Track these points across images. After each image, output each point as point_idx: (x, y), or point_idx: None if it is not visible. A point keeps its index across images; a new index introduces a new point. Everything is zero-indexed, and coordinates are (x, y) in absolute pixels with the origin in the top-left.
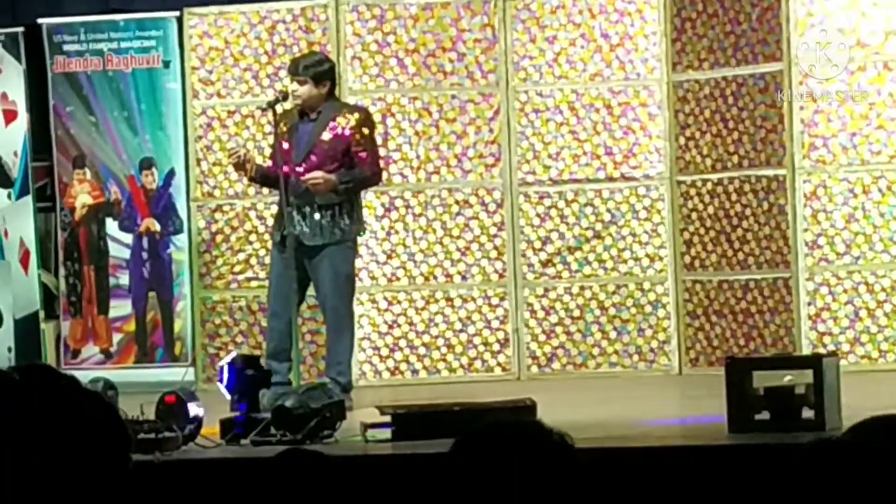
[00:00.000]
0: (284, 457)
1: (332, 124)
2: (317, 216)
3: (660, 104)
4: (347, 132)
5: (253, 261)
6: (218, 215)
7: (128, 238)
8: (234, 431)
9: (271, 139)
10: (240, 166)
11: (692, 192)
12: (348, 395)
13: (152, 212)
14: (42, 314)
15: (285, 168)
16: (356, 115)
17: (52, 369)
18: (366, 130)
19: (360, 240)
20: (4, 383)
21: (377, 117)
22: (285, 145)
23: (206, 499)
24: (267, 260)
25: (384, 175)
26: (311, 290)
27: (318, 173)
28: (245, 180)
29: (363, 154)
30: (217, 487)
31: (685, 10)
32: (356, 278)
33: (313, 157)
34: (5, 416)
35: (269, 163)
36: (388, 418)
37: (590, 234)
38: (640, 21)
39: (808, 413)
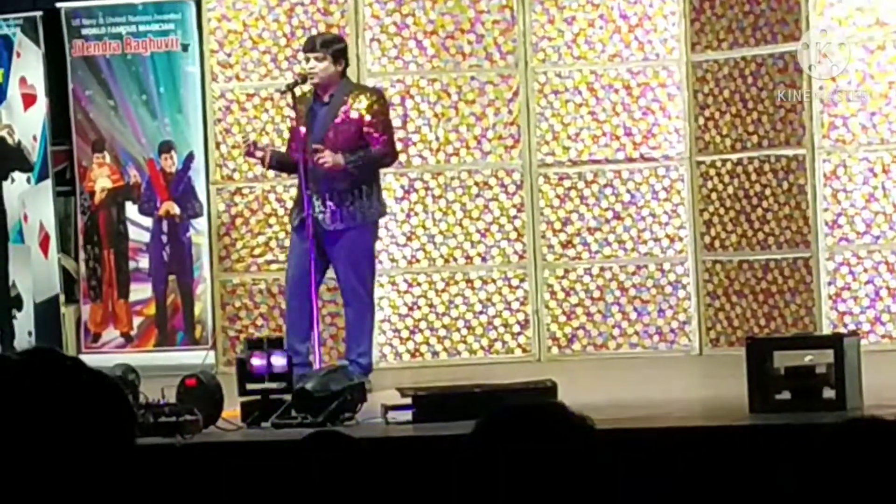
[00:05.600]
0: (315, 438)
1: (344, 107)
2: (336, 200)
3: (679, 84)
4: (360, 114)
5: (273, 244)
6: (237, 198)
7: (147, 221)
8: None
9: (290, 122)
10: (251, 153)
11: (712, 172)
12: (367, 378)
13: (172, 195)
14: (62, 298)
15: (303, 153)
16: (369, 97)
17: (55, 351)
18: (379, 111)
19: (380, 221)
20: (4, 367)
21: (396, 99)
22: (302, 130)
23: (227, 481)
24: (286, 243)
25: (402, 156)
26: (330, 273)
27: (326, 152)
28: (257, 164)
29: (376, 135)
30: (239, 470)
31: None
32: (376, 261)
33: (328, 141)
34: (7, 399)
35: (282, 147)
36: (408, 400)
37: (609, 214)
38: (659, 1)
39: (828, 393)
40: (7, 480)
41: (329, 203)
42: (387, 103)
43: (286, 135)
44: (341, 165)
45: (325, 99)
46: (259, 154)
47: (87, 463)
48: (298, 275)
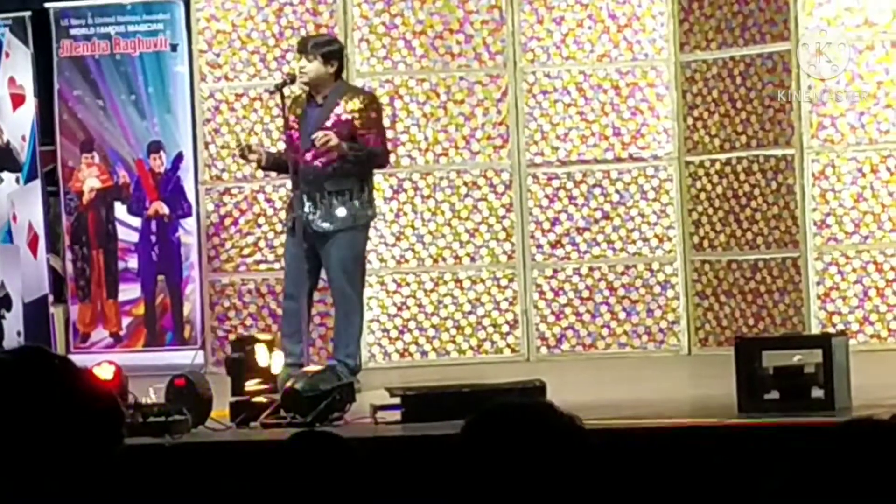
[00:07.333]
0: (301, 438)
1: (336, 108)
2: (327, 201)
3: (668, 84)
4: (352, 115)
5: (261, 244)
6: (226, 198)
7: (136, 222)
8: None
9: (278, 122)
10: (244, 155)
11: (700, 172)
12: (356, 378)
13: (161, 195)
14: (51, 298)
15: (294, 154)
16: (361, 99)
17: (44, 350)
18: (372, 114)
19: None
20: None
21: (385, 99)
22: (294, 132)
23: (216, 481)
24: (275, 243)
25: (392, 157)
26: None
27: (329, 133)
28: (253, 167)
29: (369, 137)
30: (228, 470)
31: None
32: (366, 262)
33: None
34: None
35: (273, 148)
36: (397, 400)
37: (598, 214)
38: (648, 1)
39: (817, 392)
40: None
41: (320, 204)
42: (380, 106)
43: (275, 134)
44: (343, 150)
45: (319, 101)
46: (253, 157)
47: (76, 461)
48: (293, 277)
